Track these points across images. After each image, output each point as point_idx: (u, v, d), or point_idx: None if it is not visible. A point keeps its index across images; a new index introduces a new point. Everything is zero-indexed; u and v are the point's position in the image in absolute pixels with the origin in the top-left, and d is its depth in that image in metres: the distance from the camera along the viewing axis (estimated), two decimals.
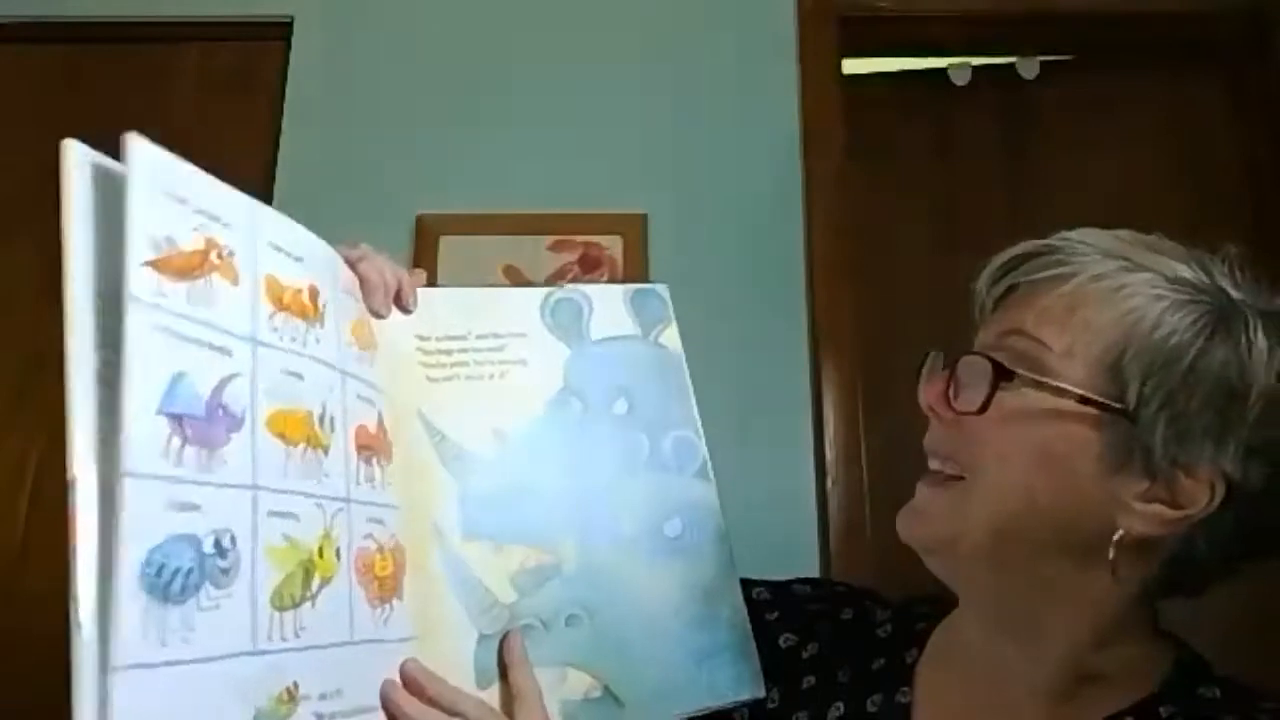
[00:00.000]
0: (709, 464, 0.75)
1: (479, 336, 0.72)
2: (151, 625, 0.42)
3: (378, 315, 0.68)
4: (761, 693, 0.70)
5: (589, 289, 0.77)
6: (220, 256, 0.51)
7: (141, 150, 0.47)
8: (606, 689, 0.66)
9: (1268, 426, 0.55)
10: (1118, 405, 0.56)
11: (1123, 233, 0.61)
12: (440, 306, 0.72)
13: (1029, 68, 1.85)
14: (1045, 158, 1.80)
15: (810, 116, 1.69)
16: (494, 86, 1.73)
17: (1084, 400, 0.56)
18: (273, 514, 0.51)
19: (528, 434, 0.71)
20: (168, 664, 0.42)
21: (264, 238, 0.56)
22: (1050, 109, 1.83)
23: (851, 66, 1.80)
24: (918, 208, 1.80)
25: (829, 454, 1.54)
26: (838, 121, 1.69)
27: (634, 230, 1.63)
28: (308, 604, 0.52)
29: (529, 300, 0.75)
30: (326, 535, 0.54)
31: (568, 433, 0.72)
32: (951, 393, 0.61)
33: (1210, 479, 0.55)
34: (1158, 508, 0.56)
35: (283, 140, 1.68)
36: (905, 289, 1.75)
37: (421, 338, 0.70)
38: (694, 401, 0.76)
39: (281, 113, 1.71)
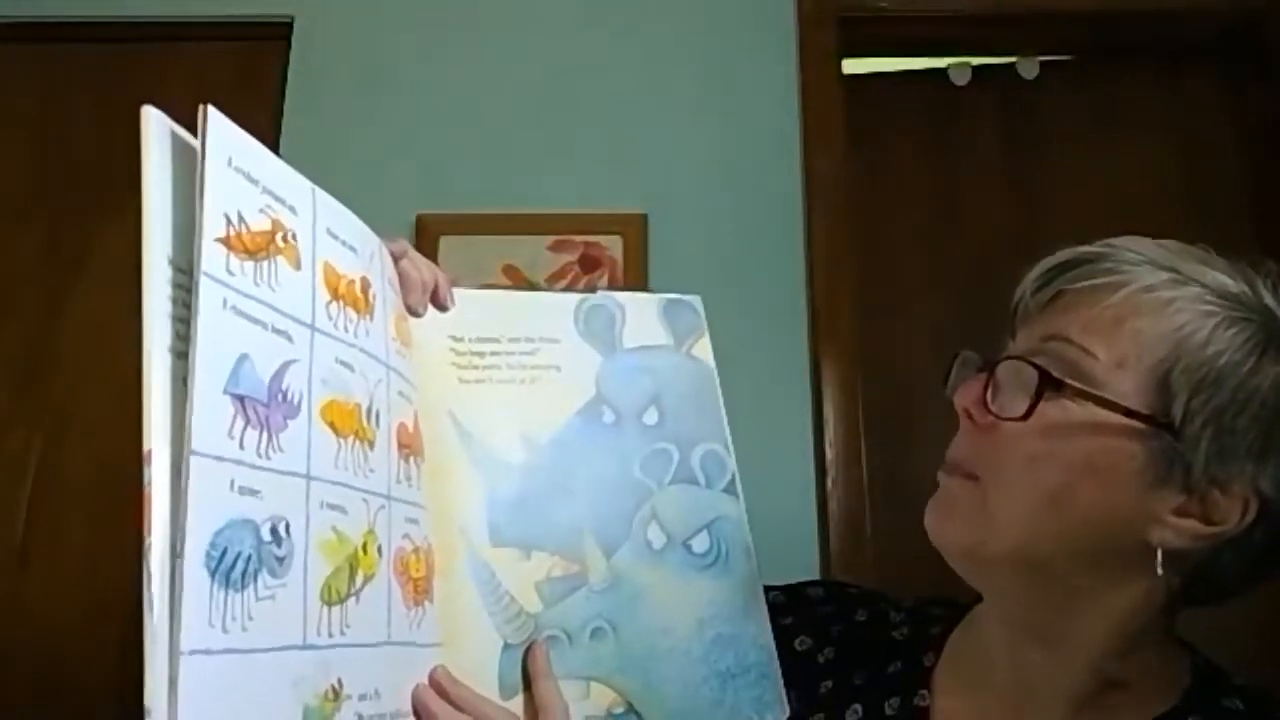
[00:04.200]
0: (738, 480, 0.74)
1: (512, 340, 0.72)
2: (215, 611, 0.41)
3: (414, 313, 0.68)
4: (785, 715, 0.68)
5: (622, 297, 0.76)
6: (285, 240, 0.51)
7: (218, 124, 0.47)
8: (630, 706, 0.65)
9: None
10: (1163, 420, 0.55)
11: (1169, 242, 0.61)
12: (475, 308, 0.72)
13: (1029, 68, 1.84)
14: (1045, 158, 1.80)
15: (810, 116, 1.69)
16: (494, 86, 1.73)
17: (1130, 414, 0.56)
18: (325, 505, 0.50)
19: (557, 440, 0.70)
20: (228, 651, 0.41)
21: (323, 224, 0.55)
22: (1050, 109, 1.83)
23: (851, 66, 1.79)
24: (918, 208, 1.80)
25: (829, 454, 1.54)
26: (838, 121, 1.69)
27: (634, 230, 1.63)
28: (352, 600, 0.51)
29: (563, 306, 0.74)
30: (370, 531, 0.54)
31: (597, 441, 0.71)
32: (989, 396, 0.60)
33: (1244, 496, 0.55)
34: (1192, 523, 0.56)
35: (283, 140, 1.68)
36: (905, 289, 1.75)
37: (455, 338, 0.70)
38: (724, 415, 0.75)
39: (281, 113, 1.71)
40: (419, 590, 0.58)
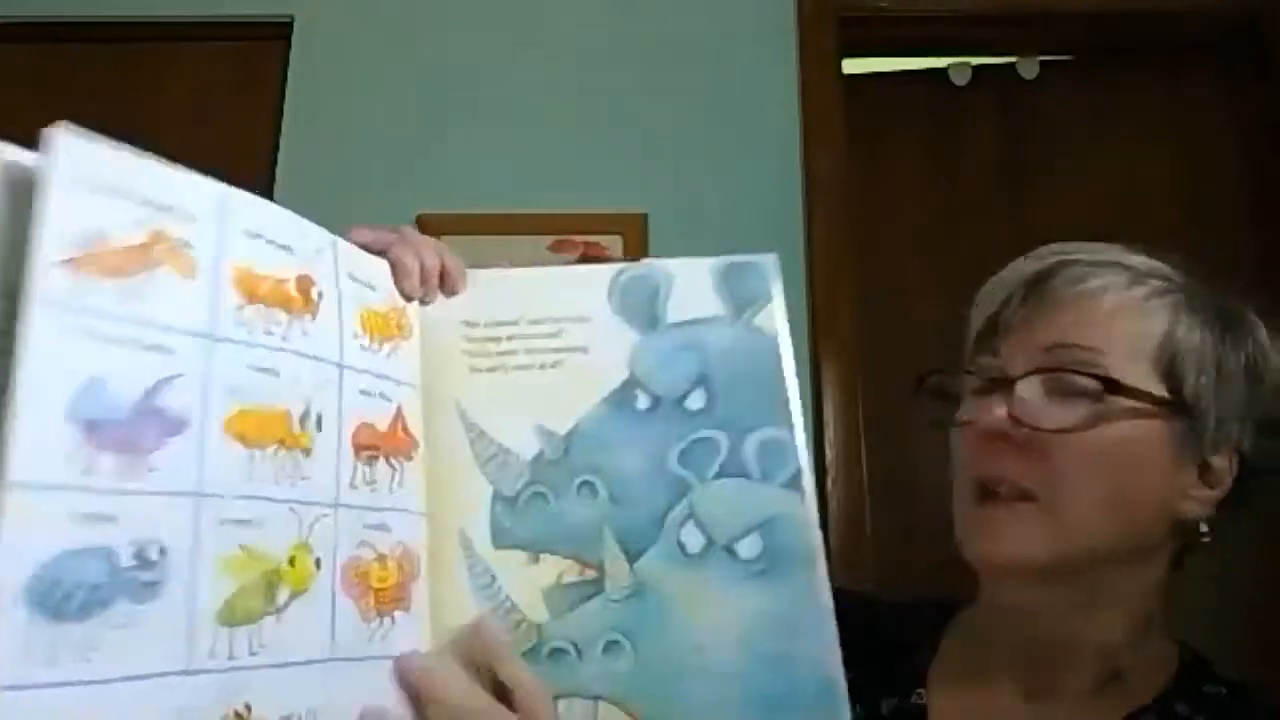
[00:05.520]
0: (804, 472, 0.62)
1: (532, 321, 0.65)
2: (36, 644, 0.40)
3: (411, 300, 0.64)
4: None
5: (673, 263, 0.66)
6: (170, 249, 0.49)
7: (66, 144, 0.45)
8: None
9: (1276, 402, 0.63)
10: (1183, 402, 0.60)
11: (1121, 246, 0.65)
12: (494, 290, 0.66)
13: (1029, 68, 1.85)
14: (1045, 158, 1.80)
15: (810, 116, 1.69)
16: (494, 86, 1.73)
17: (1160, 401, 0.59)
18: (225, 522, 0.48)
19: (578, 430, 0.63)
20: (61, 684, 0.40)
21: (238, 226, 0.53)
22: (1050, 109, 1.83)
23: (851, 66, 1.79)
24: (918, 208, 1.80)
25: (829, 454, 1.54)
26: (837, 121, 1.69)
27: (634, 230, 1.63)
28: (270, 618, 0.49)
29: (596, 279, 0.66)
30: (302, 543, 0.52)
31: (628, 430, 0.62)
32: (1020, 412, 0.60)
33: (1231, 456, 0.61)
34: (1206, 491, 0.61)
35: (283, 140, 1.68)
36: (905, 289, 1.75)
37: (469, 324, 0.64)
38: (794, 396, 0.66)
39: (281, 113, 1.71)
40: (384, 600, 0.56)
